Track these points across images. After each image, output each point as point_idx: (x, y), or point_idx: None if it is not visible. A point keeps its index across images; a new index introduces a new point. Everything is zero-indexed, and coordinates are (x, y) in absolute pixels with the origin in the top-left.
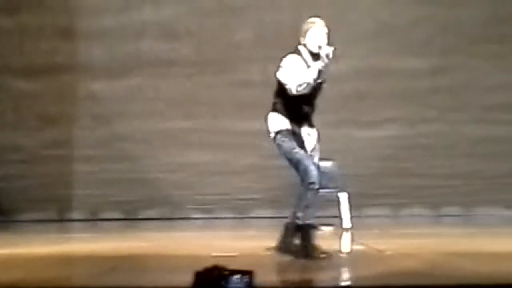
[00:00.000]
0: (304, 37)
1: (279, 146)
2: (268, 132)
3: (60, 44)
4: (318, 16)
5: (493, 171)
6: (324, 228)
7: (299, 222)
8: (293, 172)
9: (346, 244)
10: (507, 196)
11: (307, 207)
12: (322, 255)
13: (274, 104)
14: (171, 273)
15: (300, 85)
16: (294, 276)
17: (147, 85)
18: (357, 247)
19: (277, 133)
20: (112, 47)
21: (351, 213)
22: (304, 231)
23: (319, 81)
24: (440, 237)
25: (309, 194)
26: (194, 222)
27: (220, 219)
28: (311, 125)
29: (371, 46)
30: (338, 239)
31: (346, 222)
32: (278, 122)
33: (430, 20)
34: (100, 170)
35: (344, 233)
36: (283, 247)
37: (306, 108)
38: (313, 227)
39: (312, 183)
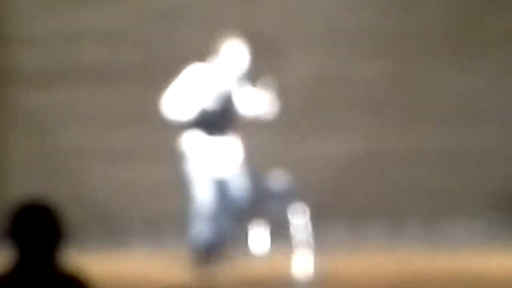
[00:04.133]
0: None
1: None
2: None
3: None
4: None
5: (456, 183)
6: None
7: None
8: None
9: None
10: (470, 207)
11: None
12: None
13: None
14: None
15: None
16: None
17: (85, 95)
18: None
19: None
20: (47, 55)
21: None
22: None
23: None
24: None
25: None
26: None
27: (167, 234)
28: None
29: (326, 54)
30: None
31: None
32: None
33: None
34: (37, 184)
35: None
36: None
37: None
38: None
39: None
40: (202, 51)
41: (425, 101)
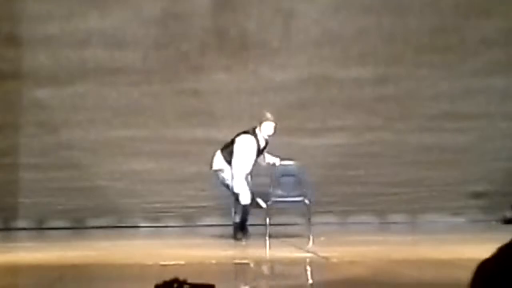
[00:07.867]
0: (260, 126)
1: None
2: None
3: (4, 50)
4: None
5: (438, 179)
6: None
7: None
8: None
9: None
10: (452, 203)
11: None
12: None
13: None
14: (118, 282)
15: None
16: (247, 286)
17: (93, 93)
18: (303, 254)
19: None
20: (57, 54)
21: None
22: None
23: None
24: (385, 244)
25: None
26: (141, 230)
27: (167, 227)
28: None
29: (316, 55)
30: (284, 246)
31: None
32: None
33: (376, 29)
34: (46, 178)
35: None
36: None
37: None
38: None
39: None
40: (202, 53)
41: (410, 101)
